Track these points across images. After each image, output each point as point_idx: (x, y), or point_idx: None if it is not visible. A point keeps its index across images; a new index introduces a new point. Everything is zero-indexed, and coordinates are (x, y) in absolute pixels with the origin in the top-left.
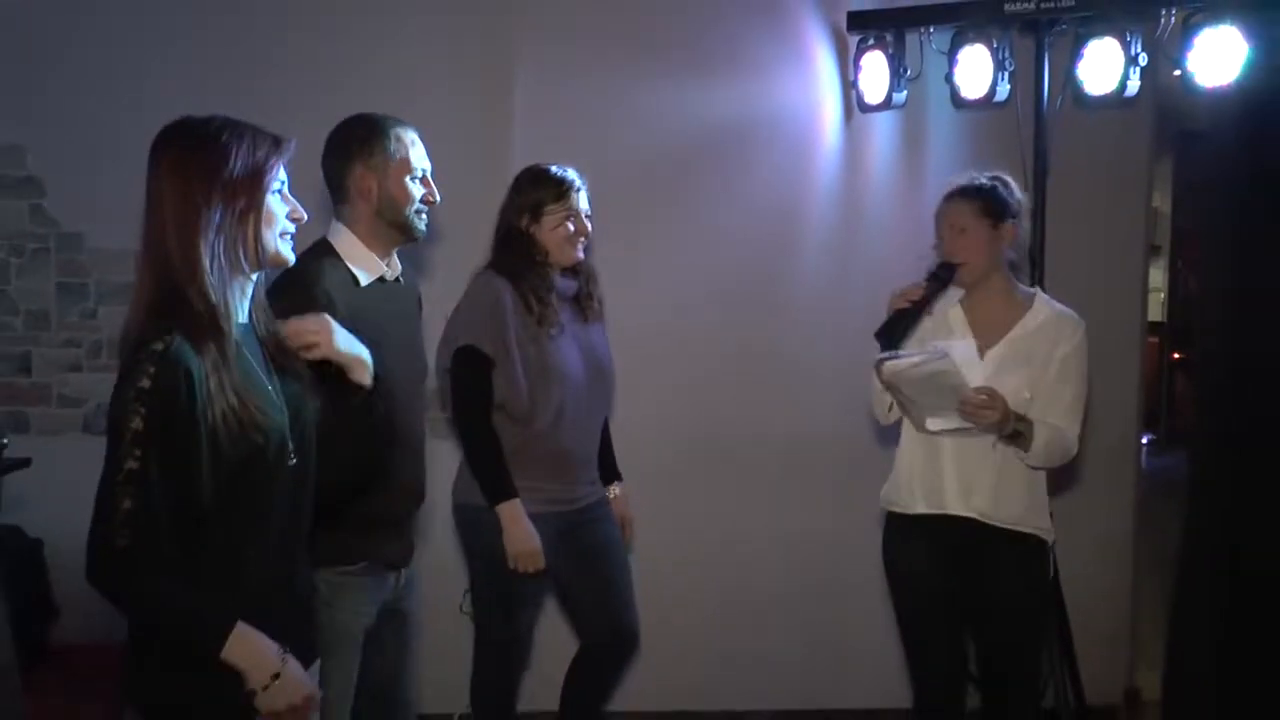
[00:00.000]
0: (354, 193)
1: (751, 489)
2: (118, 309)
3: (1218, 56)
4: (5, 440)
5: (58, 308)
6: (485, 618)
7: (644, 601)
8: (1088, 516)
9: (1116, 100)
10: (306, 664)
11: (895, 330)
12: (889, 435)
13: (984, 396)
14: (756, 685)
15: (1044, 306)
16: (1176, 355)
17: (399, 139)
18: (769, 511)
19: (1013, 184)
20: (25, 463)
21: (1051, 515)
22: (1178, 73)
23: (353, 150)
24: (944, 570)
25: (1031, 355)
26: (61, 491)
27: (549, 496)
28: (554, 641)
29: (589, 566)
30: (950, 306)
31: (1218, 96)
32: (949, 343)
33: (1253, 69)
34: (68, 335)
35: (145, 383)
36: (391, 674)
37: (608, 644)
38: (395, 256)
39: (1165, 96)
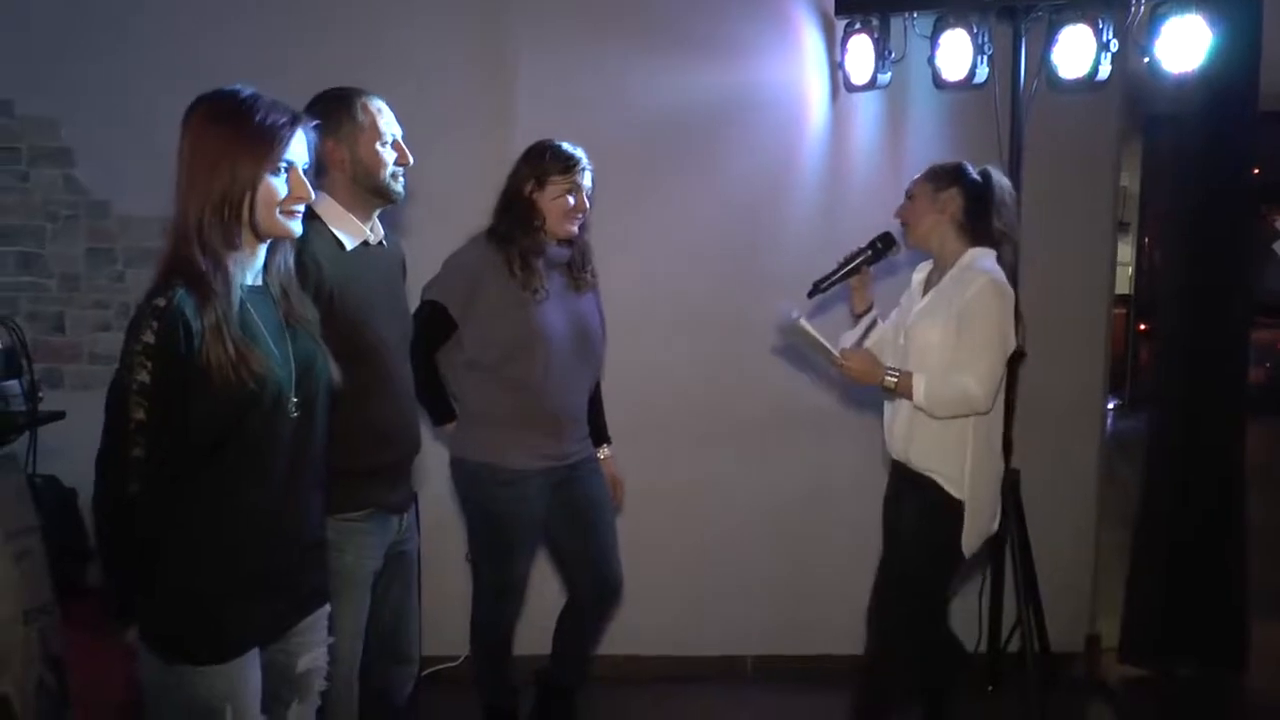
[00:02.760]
0: (329, 164)
1: (737, 447)
2: (144, 272)
3: (1183, 44)
4: (41, 395)
5: (88, 271)
6: (480, 566)
7: (634, 552)
8: (1055, 474)
9: (1088, 84)
10: (314, 610)
11: (820, 284)
12: (863, 398)
13: (844, 361)
14: (741, 631)
15: (965, 262)
16: (1141, 326)
17: (365, 109)
18: (753, 467)
19: (994, 174)
20: (60, 415)
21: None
22: (1146, 59)
23: (321, 124)
24: (889, 504)
25: (937, 308)
26: (93, 444)
27: (540, 452)
28: (549, 590)
29: (576, 520)
30: (918, 270)
31: (1183, 82)
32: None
33: (1215, 57)
34: (97, 297)
35: (149, 337)
36: (397, 612)
37: (592, 594)
38: (377, 221)
39: (1134, 81)
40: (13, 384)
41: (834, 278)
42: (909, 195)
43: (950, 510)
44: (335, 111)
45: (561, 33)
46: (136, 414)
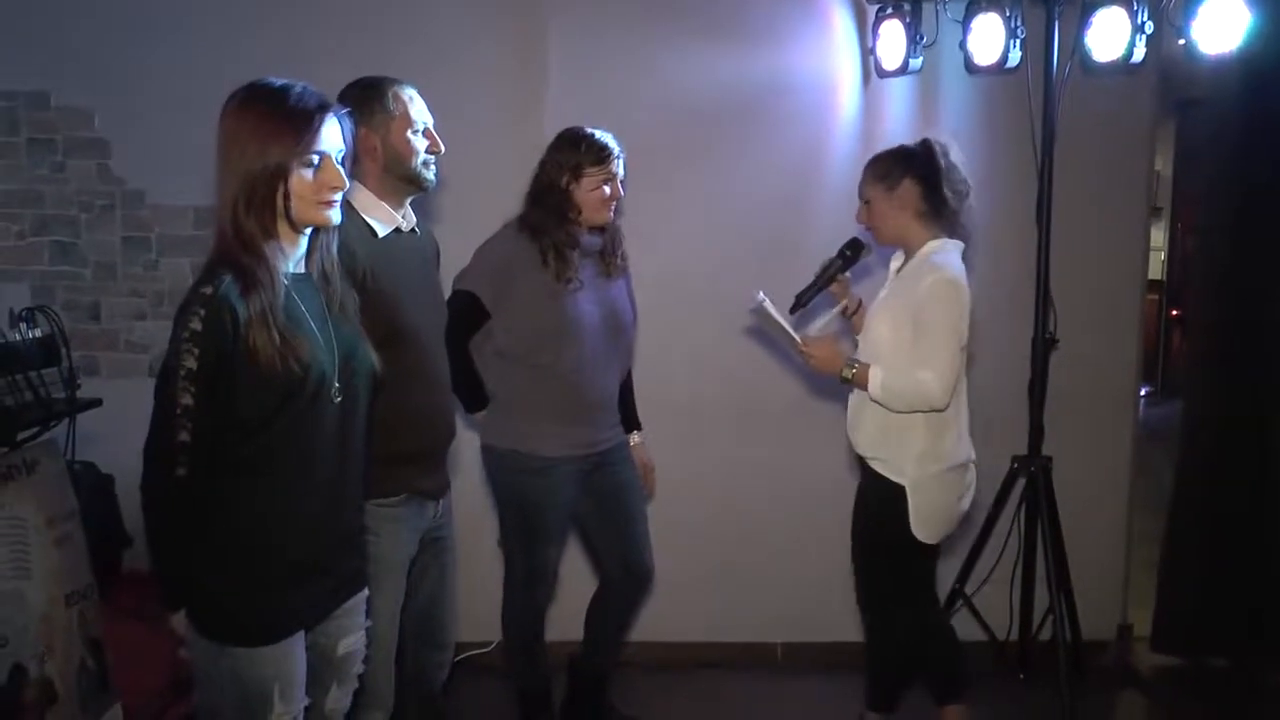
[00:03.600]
0: (360, 152)
1: (768, 434)
2: (177, 261)
3: (1220, 25)
4: (79, 382)
5: (123, 260)
6: (512, 553)
7: (664, 539)
8: (1087, 462)
9: (1122, 67)
10: (354, 594)
11: (802, 296)
12: None
13: (805, 349)
14: (771, 618)
15: (923, 254)
16: (1174, 312)
17: (396, 97)
18: (784, 454)
19: (936, 146)
20: (97, 403)
21: (1049, 458)
22: (1182, 41)
23: (353, 113)
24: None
25: (890, 301)
26: (130, 431)
27: (571, 440)
28: (581, 577)
29: (607, 507)
30: (894, 259)
31: (1220, 64)
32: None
33: (1254, 38)
34: (132, 285)
35: (196, 324)
36: (432, 598)
37: (623, 580)
38: (409, 209)
39: (1169, 64)
40: (51, 372)
41: (812, 290)
42: (864, 200)
43: (892, 495)
44: (367, 100)
45: (591, 20)
46: (184, 399)
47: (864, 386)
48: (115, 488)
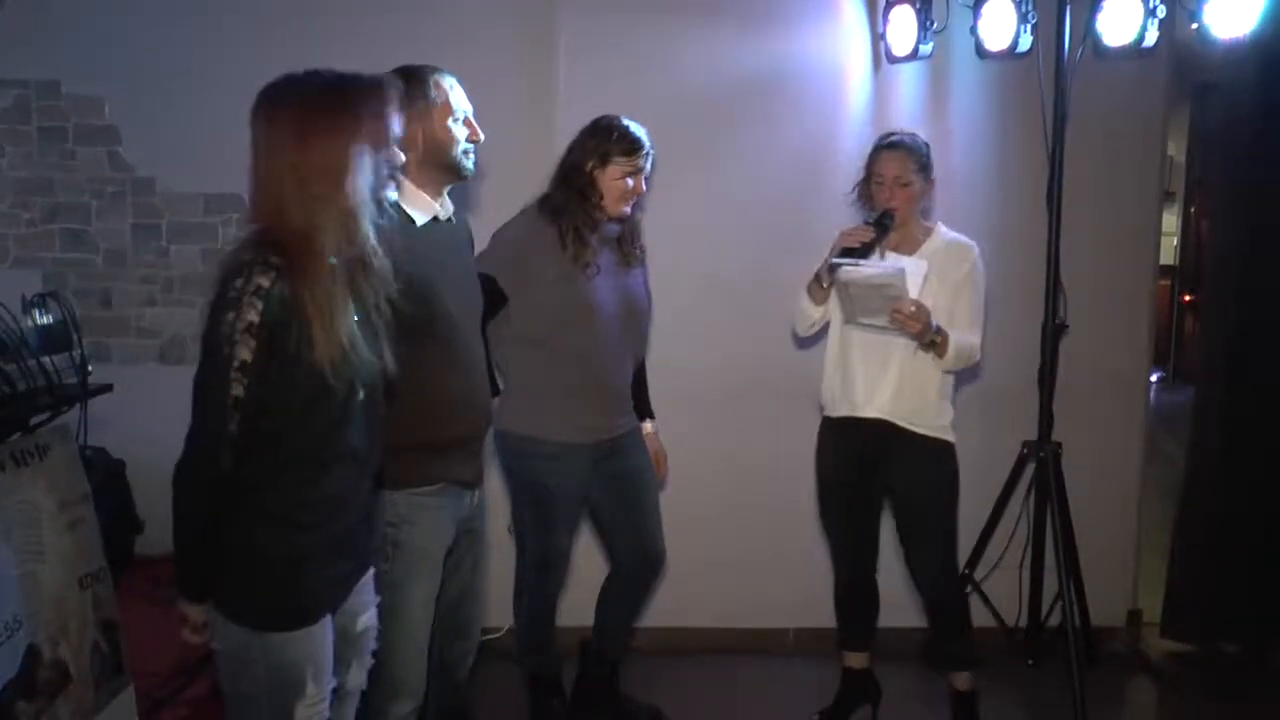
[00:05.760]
0: (401, 141)
1: (781, 417)
2: (187, 248)
3: (1233, 8)
4: (90, 368)
5: (133, 247)
6: (524, 539)
7: (676, 525)
8: (1098, 447)
9: (1134, 51)
10: (364, 571)
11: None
12: None
13: (913, 309)
14: (782, 603)
15: (940, 236)
16: (1187, 297)
17: (438, 85)
18: (796, 438)
19: (928, 143)
20: (108, 389)
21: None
22: (1195, 24)
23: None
24: (853, 461)
25: (941, 274)
26: (141, 416)
27: (583, 425)
28: (592, 562)
29: (619, 493)
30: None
31: (1233, 48)
32: (900, 258)
33: (1268, 21)
34: (143, 272)
35: (253, 316)
36: (464, 590)
37: (635, 565)
38: (446, 197)
39: (1182, 48)
40: (63, 358)
41: (856, 258)
42: (903, 183)
43: (949, 452)
44: (409, 88)
45: (602, 6)
46: (235, 390)
47: (941, 354)
48: (126, 472)
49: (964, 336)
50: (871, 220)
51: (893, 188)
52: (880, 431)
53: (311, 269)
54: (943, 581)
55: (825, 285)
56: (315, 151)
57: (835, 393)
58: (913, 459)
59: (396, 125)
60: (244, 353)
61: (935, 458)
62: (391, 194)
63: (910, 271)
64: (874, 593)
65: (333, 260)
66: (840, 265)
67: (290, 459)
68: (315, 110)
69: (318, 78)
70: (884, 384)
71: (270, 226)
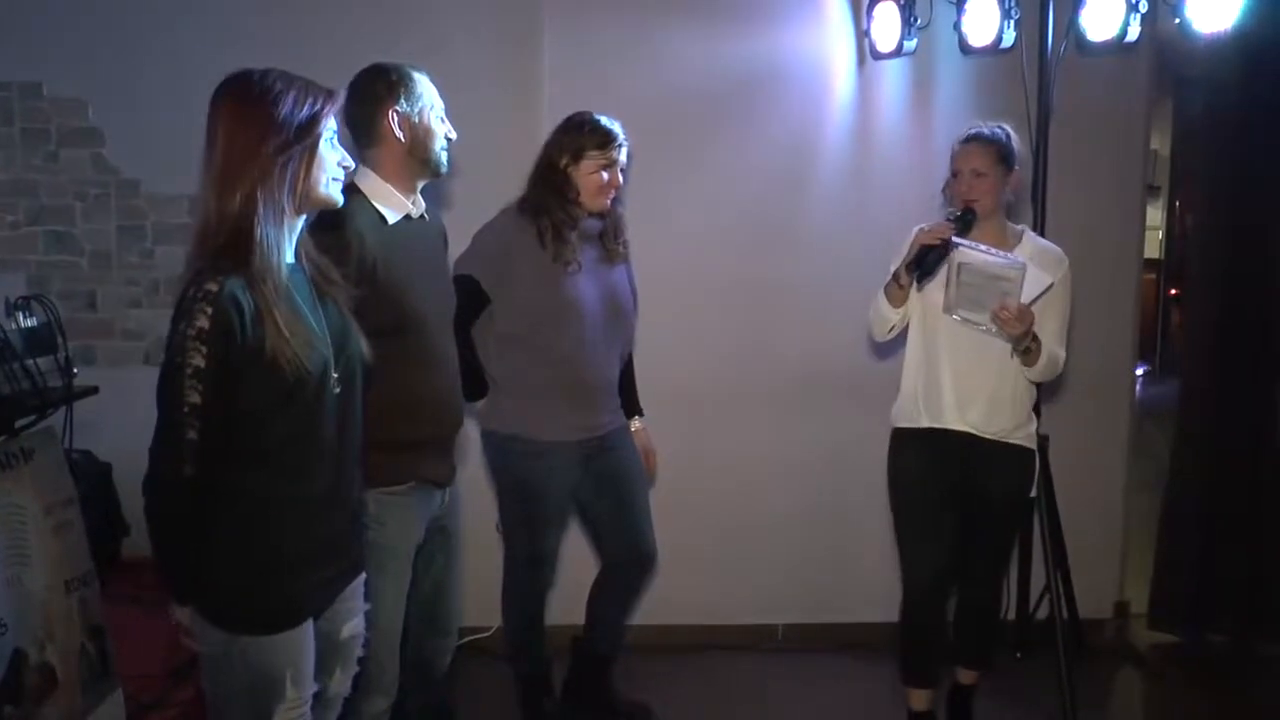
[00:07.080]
0: (387, 135)
1: (768, 413)
2: (173, 249)
3: (1216, 3)
4: (75, 370)
5: (118, 248)
6: (512, 537)
7: (666, 522)
8: (1084, 440)
9: (1117, 46)
10: (354, 578)
11: (925, 262)
12: (894, 363)
13: (1018, 311)
14: (772, 600)
15: (1030, 242)
16: (1172, 291)
17: (421, 81)
18: (783, 434)
19: (1014, 135)
20: (93, 391)
21: (1045, 437)
22: (1177, 19)
23: (382, 95)
24: (938, 474)
25: (1047, 283)
26: (126, 419)
27: (571, 424)
28: (581, 560)
29: (608, 491)
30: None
31: (1215, 42)
32: (1021, 259)
33: (1250, 15)
34: (128, 274)
35: (203, 322)
36: (438, 585)
37: (625, 563)
38: (419, 195)
39: (1165, 42)
40: (48, 360)
41: (935, 256)
42: (979, 173)
43: (1029, 463)
44: (398, 82)
45: (586, 4)
46: (191, 398)
47: (1032, 362)
48: (113, 475)
49: (1053, 347)
50: (952, 217)
51: (970, 180)
52: (968, 440)
53: (255, 266)
54: (992, 582)
55: (903, 285)
56: (236, 150)
57: (917, 403)
58: (1002, 467)
59: (330, 126)
60: (196, 359)
61: (1024, 467)
62: (337, 194)
63: (1033, 274)
64: (945, 619)
65: (278, 255)
66: (959, 245)
67: (265, 459)
68: (239, 109)
69: (250, 76)
70: (978, 395)
71: (211, 227)
